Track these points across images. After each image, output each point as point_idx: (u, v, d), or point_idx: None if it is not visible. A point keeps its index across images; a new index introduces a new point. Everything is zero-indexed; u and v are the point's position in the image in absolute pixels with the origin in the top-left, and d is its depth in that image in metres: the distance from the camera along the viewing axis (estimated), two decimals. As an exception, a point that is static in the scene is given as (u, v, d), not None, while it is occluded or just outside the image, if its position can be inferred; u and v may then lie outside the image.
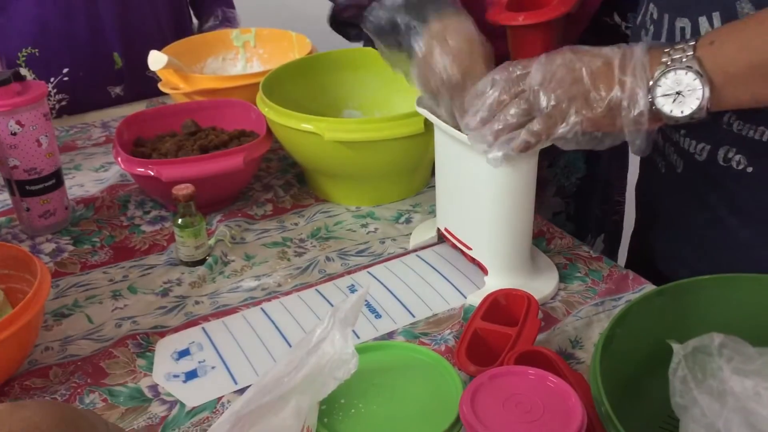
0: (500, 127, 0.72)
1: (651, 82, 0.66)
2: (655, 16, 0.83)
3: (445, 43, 0.79)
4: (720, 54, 0.65)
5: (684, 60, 0.65)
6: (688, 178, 0.83)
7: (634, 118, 0.67)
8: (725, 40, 0.65)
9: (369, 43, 1.01)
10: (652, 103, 0.66)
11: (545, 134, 0.70)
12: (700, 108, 0.65)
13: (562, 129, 0.69)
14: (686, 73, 0.65)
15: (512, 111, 0.71)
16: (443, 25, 0.79)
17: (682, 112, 0.65)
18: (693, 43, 0.66)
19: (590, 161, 1.23)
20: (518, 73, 0.71)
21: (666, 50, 0.66)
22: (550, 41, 0.93)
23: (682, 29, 0.78)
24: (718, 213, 0.82)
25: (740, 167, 0.77)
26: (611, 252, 1.34)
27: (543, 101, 0.69)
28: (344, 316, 0.51)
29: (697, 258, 0.87)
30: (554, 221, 1.22)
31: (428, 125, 0.91)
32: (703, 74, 0.64)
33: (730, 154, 0.77)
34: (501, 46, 1.05)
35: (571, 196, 1.22)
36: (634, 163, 1.14)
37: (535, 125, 0.70)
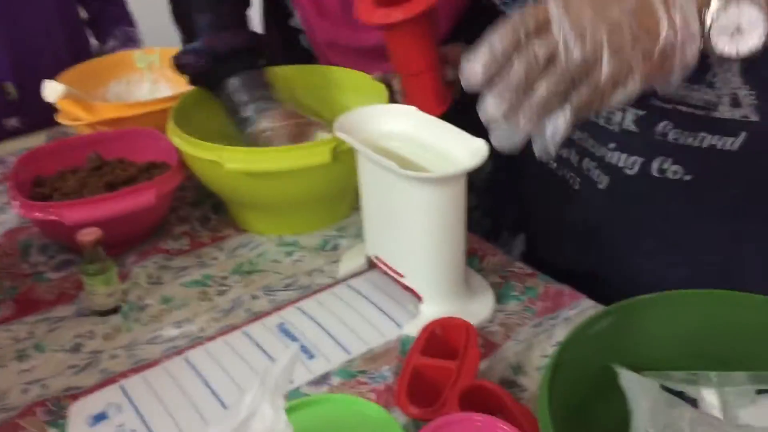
0: (536, 111, 0.56)
1: (705, 16, 0.56)
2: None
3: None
4: None
5: None
6: (613, 193, 0.82)
7: (688, 60, 0.56)
8: None
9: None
10: (706, 40, 0.57)
11: (598, 104, 0.57)
12: (758, 47, 0.57)
13: (619, 95, 0.57)
14: (750, 6, 0.56)
15: (550, 88, 0.55)
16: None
17: (737, 50, 0.57)
18: None
19: (495, 157, 1.22)
20: (533, 30, 0.56)
21: None
22: (429, 31, 0.90)
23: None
24: (643, 226, 0.81)
25: (677, 176, 0.75)
26: (529, 252, 1.33)
27: (594, 69, 0.55)
28: (275, 383, 0.46)
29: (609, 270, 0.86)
30: (471, 217, 1.21)
31: (347, 152, 0.87)
32: (764, 8, 0.56)
33: (666, 165, 0.75)
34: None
35: (483, 190, 1.21)
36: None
37: (584, 95, 0.56)
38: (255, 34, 1.05)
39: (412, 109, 0.85)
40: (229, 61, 1.00)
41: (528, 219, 1.08)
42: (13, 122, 1.29)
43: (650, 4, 0.56)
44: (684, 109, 0.73)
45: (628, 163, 0.78)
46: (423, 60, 0.92)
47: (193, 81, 1.04)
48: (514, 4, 1.09)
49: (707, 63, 0.70)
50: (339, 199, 0.99)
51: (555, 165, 0.88)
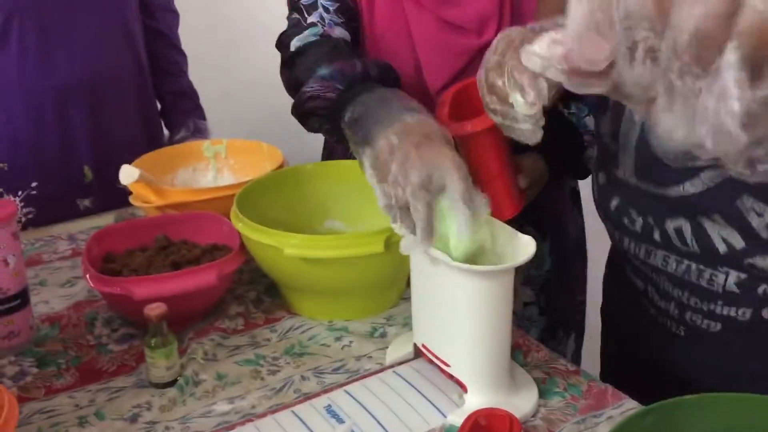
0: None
1: None
2: (636, 214, 0.85)
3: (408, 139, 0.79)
4: None
5: None
6: (725, 337, 0.84)
7: None
8: None
9: (330, 133, 1.02)
10: None
11: None
12: None
13: None
14: None
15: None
16: (405, 125, 0.81)
17: None
18: None
19: (554, 252, 1.24)
20: None
21: None
22: (500, 141, 0.96)
23: (678, 229, 0.80)
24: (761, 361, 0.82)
25: None
26: (577, 352, 1.33)
27: None
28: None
29: None
30: (525, 313, 1.22)
31: (398, 242, 0.91)
32: None
33: None
34: None
35: (541, 287, 1.23)
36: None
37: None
38: (386, 65, 1.00)
39: (465, 204, 0.89)
40: (362, 84, 0.93)
41: (609, 351, 1.08)
42: (86, 203, 1.38)
43: None
44: None
45: (739, 313, 0.80)
46: (495, 168, 0.97)
47: (317, 114, 0.97)
48: (579, 111, 1.15)
49: None
50: (389, 288, 1.03)
51: (653, 311, 0.91)
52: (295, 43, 1.08)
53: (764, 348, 0.83)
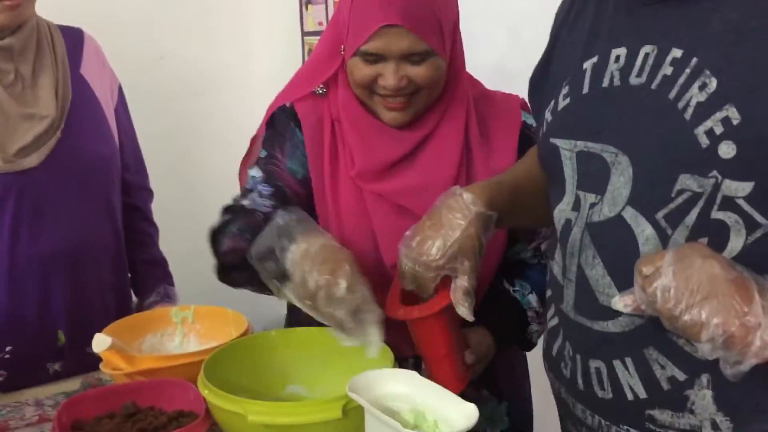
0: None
1: None
2: (570, 352, 0.96)
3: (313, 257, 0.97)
4: None
5: None
6: None
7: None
8: None
9: (256, 287, 1.11)
10: None
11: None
12: None
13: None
14: None
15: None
16: (308, 243, 0.98)
17: None
18: None
19: (512, 415, 1.30)
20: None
21: None
22: (449, 322, 1.05)
23: (597, 370, 0.89)
24: None
25: None
26: None
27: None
28: None
29: None
30: None
31: (356, 409, 0.98)
32: None
33: None
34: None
35: None
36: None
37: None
38: (281, 192, 1.17)
39: (415, 374, 0.97)
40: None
41: None
42: (56, 367, 1.42)
43: (749, 288, 0.71)
44: None
45: None
46: (441, 349, 1.06)
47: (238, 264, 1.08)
48: (523, 289, 1.26)
49: (685, 394, 0.83)
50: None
51: None
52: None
53: None
